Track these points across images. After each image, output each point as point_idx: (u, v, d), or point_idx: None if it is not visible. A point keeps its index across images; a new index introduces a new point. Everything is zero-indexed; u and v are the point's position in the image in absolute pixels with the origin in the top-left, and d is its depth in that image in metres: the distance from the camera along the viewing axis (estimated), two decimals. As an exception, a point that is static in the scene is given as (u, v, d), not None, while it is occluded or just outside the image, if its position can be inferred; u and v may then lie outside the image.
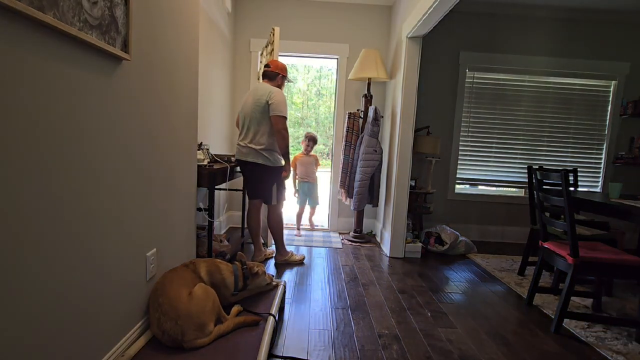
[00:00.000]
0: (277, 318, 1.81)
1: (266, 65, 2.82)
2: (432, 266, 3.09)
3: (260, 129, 2.64)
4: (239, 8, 3.87)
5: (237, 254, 2.02)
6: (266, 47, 3.29)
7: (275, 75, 2.77)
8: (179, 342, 1.41)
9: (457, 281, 2.76)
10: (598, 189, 4.13)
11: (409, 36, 3.06)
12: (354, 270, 2.89)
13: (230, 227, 4.01)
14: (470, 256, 3.44)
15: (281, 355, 1.66)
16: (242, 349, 1.46)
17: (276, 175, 2.76)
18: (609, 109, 4.02)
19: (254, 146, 2.64)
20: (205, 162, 2.27)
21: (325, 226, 4.21)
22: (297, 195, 4.01)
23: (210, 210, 2.25)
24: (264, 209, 3.05)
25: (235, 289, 1.82)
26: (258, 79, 3.72)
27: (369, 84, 3.65)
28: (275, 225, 2.90)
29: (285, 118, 2.61)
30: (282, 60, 4.40)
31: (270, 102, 2.58)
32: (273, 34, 3.02)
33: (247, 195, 2.94)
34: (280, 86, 2.77)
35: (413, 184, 3.58)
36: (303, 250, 3.34)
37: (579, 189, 4.03)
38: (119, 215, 1.35)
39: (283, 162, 2.79)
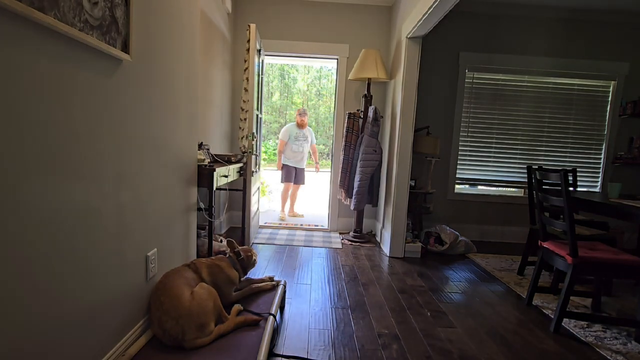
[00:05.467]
0: (277, 318, 1.81)
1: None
2: (432, 266, 3.10)
3: None
4: (239, 8, 3.87)
5: (227, 240, 2.04)
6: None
7: None
8: (180, 342, 1.42)
9: (457, 281, 2.77)
10: (597, 189, 4.13)
11: (408, 36, 3.07)
12: (354, 270, 2.89)
13: (231, 227, 4.01)
14: (470, 256, 3.45)
15: (281, 354, 1.66)
16: (242, 348, 1.46)
17: None
18: (608, 109, 4.03)
19: None
20: (206, 162, 2.27)
21: (325, 226, 4.22)
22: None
23: (210, 210, 2.26)
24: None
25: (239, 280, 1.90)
26: (259, 77, 3.74)
27: (368, 84, 3.65)
28: None
29: (281, 140, 4.68)
30: (281, 60, 4.45)
31: None
32: (249, 32, 2.99)
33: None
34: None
35: (413, 184, 3.58)
36: (304, 250, 3.34)
37: (578, 189, 4.04)
38: (120, 216, 1.35)
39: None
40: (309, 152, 4.95)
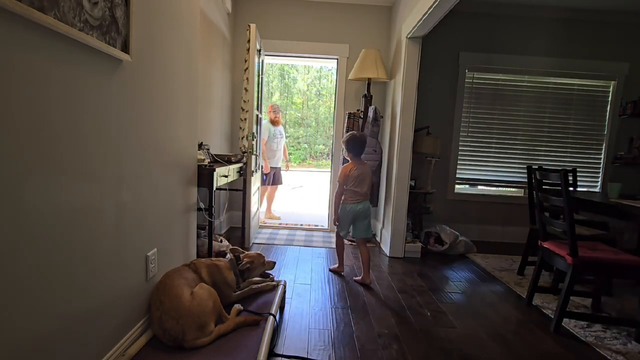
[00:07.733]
0: (277, 318, 1.81)
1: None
2: (432, 266, 3.10)
3: None
4: (239, 8, 3.87)
5: (231, 248, 2.02)
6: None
7: None
8: (180, 342, 1.42)
9: (457, 281, 2.77)
10: (597, 189, 4.13)
11: (408, 36, 3.07)
12: (354, 270, 2.89)
13: (231, 227, 4.01)
14: (470, 256, 3.44)
15: (282, 354, 1.66)
16: (242, 348, 1.46)
17: None
18: (608, 109, 4.03)
19: None
20: (206, 162, 2.27)
21: (325, 226, 4.21)
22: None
23: (210, 210, 2.26)
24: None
25: (236, 284, 1.86)
26: (259, 77, 3.74)
27: (368, 84, 3.65)
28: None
29: (262, 139, 4.26)
30: (281, 60, 4.45)
31: None
32: (249, 32, 2.99)
33: None
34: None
35: (413, 184, 3.58)
36: (304, 250, 3.34)
37: (578, 189, 4.03)
38: (120, 216, 1.35)
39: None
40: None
